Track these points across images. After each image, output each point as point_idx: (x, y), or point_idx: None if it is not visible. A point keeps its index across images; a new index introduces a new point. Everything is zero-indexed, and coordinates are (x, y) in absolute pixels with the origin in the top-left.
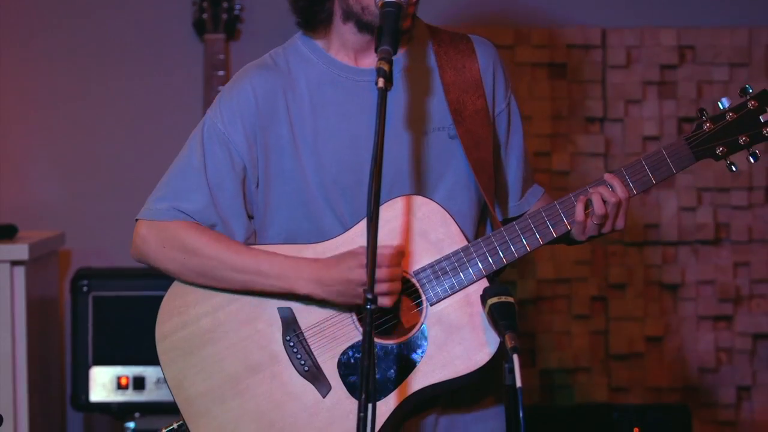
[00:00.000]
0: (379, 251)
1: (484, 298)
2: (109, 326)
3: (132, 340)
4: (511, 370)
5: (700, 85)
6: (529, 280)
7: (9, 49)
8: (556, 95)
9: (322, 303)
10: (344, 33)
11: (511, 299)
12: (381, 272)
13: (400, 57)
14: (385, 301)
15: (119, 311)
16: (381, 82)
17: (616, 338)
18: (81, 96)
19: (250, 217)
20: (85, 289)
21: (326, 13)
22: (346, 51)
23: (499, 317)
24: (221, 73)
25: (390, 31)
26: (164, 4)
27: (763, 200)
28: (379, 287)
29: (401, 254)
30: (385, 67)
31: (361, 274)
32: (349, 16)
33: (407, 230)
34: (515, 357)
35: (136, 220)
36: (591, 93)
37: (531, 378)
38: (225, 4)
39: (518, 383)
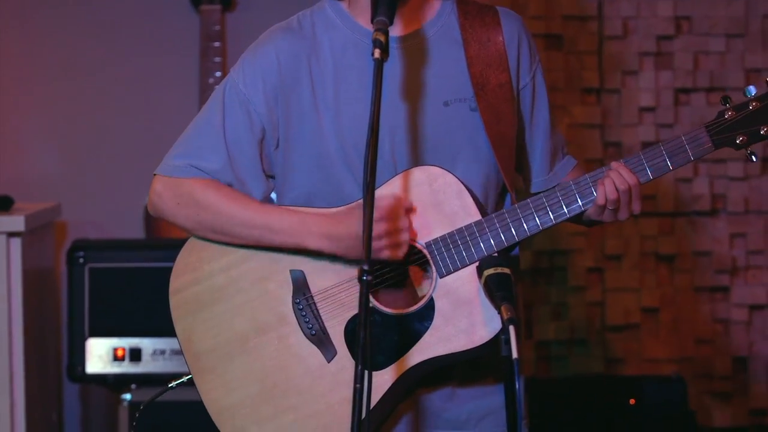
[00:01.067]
0: (378, 203)
1: (480, 269)
2: (105, 298)
3: (128, 311)
4: (507, 342)
5: (696, 56)
6: (526, 252)
7: (6, 24)
8: (552, 66)
9: (334, 268)
10: None
11: (507, 270)
12: (380, 227)
13: (425, 27)
14: (387, 254)
15: (115, 283)
16: (377, 53)
17: (613, 309)
18: (77, 68)
19: (270, 177)
20: (81, 260)
21: None
22: (369, 15)
23: (495, 288)
24: (217, 44)
25: (385, 2)
26: None
27: (760, 171)
28: (381, 243)
29: (401, 206)
30: (381, 38)
31: (373, 227)
32: None
33: (421, 201)
34: (511, 328)
35: (154, 175)
36: (587, 64)
37: (527, 349)
38: None
39: (514, 354)
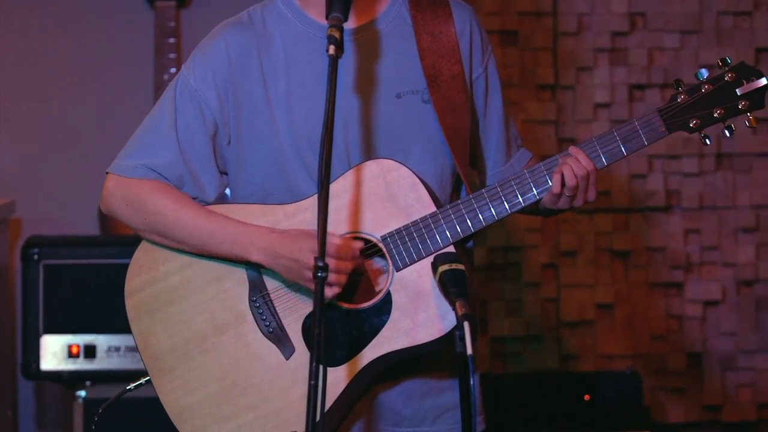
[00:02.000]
0: (330, 240)
1: (434, 265)
2: (59, 294)
3: (83, 308)
4: (462, 338)
5: (650, 52)
6: (481, 248)
7: None
8: (507, 62)
9: None
10: None
11: (461, 267)
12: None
13: (377, 19)
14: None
15: (70, 279)
16: (332, 50)
17: (567, 306)
18: (32, 64)
19: (223, 173)
20: (35, 257)
21: None
22: (320, 8)
23: (449, 285)
24: (172, 40)
25: None
26: None
27: (714, 167)
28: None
29: (350, 249)
30: (336, 35)
31: (310, 258)
32: None
33: (376, 194)
34: (466, 324)
35: (107, 173)
36: (542, 60)
37: (482, 346)
38: None
39: (469, 351)
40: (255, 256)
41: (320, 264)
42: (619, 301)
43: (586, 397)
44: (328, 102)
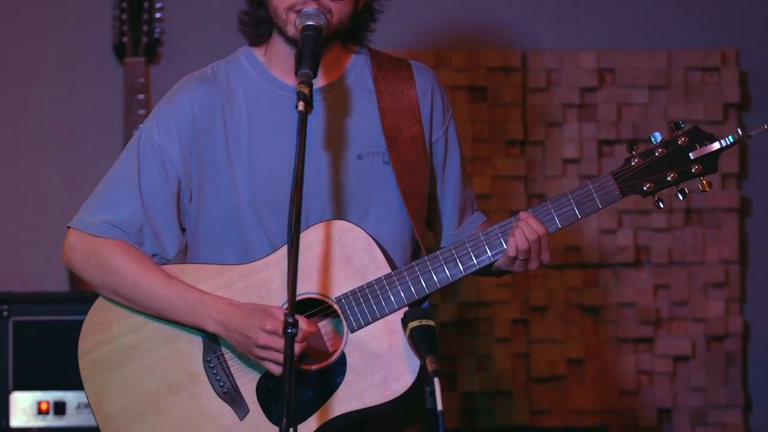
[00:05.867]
0: (280, 316)
1: (404, 321)
2: (29, 351)
3: (53, 364)
4: (432, 394)
5: (619, 108)
6: (451, 303)
7: None
8: (476, 118)
9: None
10: (278, 45)
11: (431, 322)
12: (274, 340)
13: (339, 79)
14: (269, 366)
15: (40, 336)
16: (301, 106)
17: (538, 361)
18: None
19: (183, 230)
20: (5, 313)
21: (266, 27)
22: (284, 67)
23: (419, 341)
24: (141, 96)
25: (309, 55)
26: (84, 27)
27: (683, 223)
28: (267, 354)
29: (305, 330)
30: (305, 91)
31: (258, 336)
32: (278, 29)
33: (331, 255)
34: (436, 380)
35: (68, 227)
36: (511, 116)
37: (452, 401)
38: (145, 28)
39: (439, 406)
40: (211, 327)
41: (290, 320)
42: (589, 357)
43: None
44: (297, 158)
